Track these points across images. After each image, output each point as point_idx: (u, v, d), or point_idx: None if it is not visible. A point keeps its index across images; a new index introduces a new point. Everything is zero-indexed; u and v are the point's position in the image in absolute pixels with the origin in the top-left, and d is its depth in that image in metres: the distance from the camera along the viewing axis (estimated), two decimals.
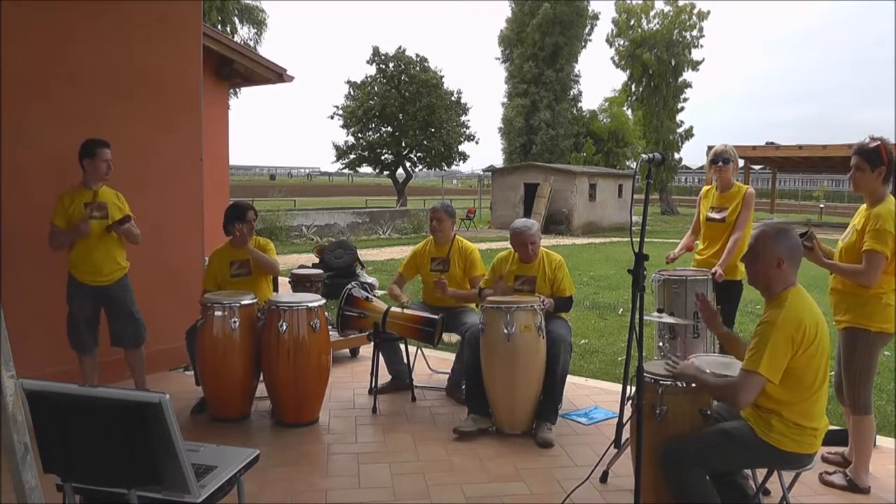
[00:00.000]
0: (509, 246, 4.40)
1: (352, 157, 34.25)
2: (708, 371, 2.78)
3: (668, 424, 2.69)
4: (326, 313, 4.31)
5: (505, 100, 34.94)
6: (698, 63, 37.17)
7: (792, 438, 2.51)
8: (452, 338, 5.48)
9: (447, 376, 4.76)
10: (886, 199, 3.14)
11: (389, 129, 33.29)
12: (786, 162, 29.95)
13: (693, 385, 2.69)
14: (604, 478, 3.37)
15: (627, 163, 33.31)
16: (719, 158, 4.28)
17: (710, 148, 4.46)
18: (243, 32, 23.32)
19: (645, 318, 2.67)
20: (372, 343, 4.65)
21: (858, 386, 3.20)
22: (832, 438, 3.47)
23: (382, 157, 34.28)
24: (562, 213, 22.97)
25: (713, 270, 4.12)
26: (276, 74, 9.28)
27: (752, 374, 2.45)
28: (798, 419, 2.51)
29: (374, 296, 4.96)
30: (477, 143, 42.32)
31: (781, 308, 2.49)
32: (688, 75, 37.56)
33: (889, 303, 3.13)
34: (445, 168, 38.19)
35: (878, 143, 3.12)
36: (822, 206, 36.52)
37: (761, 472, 2.75)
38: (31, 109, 4.36)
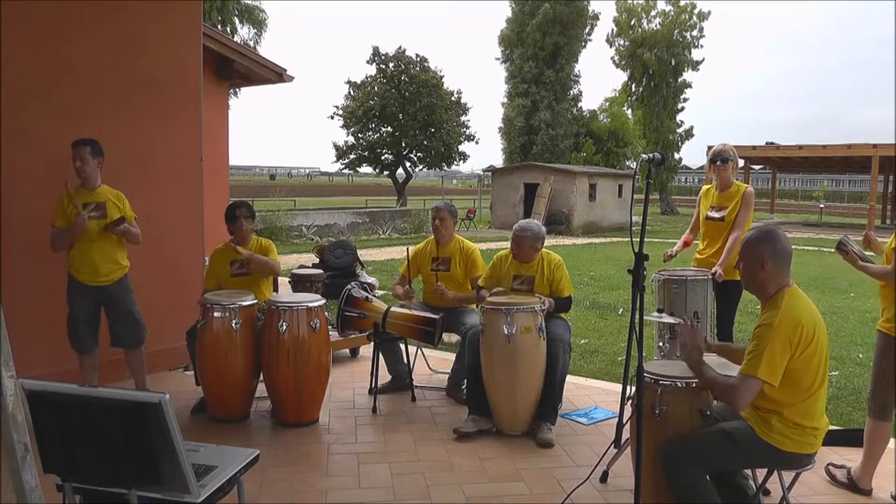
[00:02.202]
0: (508, 245, 4.40)
1: (352, 157, 34.22)
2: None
3: (668, 424, 2.69)
4: (326, 313, 4.31)
5: (505, 100, 34.92)
6: (698, 63, 37.17)
7: (792, 438, 2.52)
8: (452, 338, 5.48)
9: (447, 376, 4.76)
10: None
11: (389, 129, 33.27)
12: (786, 162, 29.95)
13: (693, 380, 2.69)
14: (604, 478, 3.37)
15: (627, 163, 33.29)
16: (718, 157, 4.29)
17: (710, 148, 4.47)
18: (243, 32, 23.33)
19: (645, 318, 2.67)
20: (372, 343, 4.65)
21: (878, 389, 3.19)
22: (833, 438, 3.47)
23: (382, 157, 34.26)
24: (562, 213, 22.96)
25: (713, 270, 4.13)
26: (276, 74, 9.28)
27: (751, 379, 2.45)
28: (798, 419, 2.51)
29: (374, 296, 4.96)
30: (477, 143, 42.37)
31: (778, 310, 2.50)
32: (688, 75, 37.60)
33: None
34: (445, 168, 38.17)
35: None
36: (822, 206, 36.51)
37: (761, 472, 2.75)
38: (31, 109, 4.36)
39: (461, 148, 34.54)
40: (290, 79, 9.54)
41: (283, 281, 6.41)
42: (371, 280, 7.11)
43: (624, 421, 2.79)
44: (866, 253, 3.29)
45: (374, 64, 33.02)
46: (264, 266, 4.38)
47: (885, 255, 3.25)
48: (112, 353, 4.39)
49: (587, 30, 34.93)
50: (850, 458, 3.44)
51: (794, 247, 2.69)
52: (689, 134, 38.09)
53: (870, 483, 3.25)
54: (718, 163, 4.28)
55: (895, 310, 3.11)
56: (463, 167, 52.47)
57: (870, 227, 21.65)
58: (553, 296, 4.19)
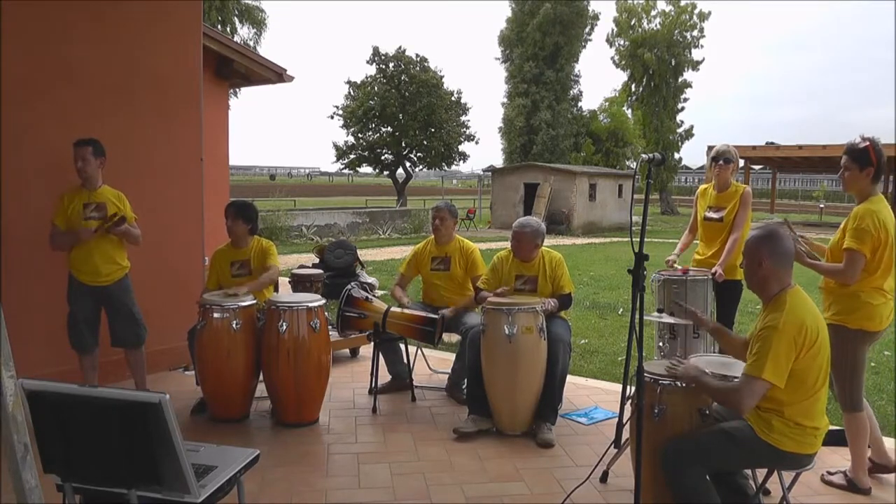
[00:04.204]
0: (508, 245, 4.41)
1: (352, 157, 34.21)
2: (708, 371, 2.78)
3: (667, 424, 2.69)
4: (326, 313, 4.31)
5: (505, 100, 34.92)
6: (698, 63, 37.19)
7: (792, 438, 2.51)
8: (452, 338, 5.48)
9: (447, 376, 4.76)
10: (872, 198, 3.16)
11: (389, 129, 33.26)
12: (786, 162, 29.94)
13: (694, 387, 2.69)
14: (604, 478, 3.37)
15: (627, 163, 33.29)
16: (720, 157, 4.29)
17: (710, 148, 4.47)
18: (243, 32, 23.30)
19: (645, 318, 2.67)
20: (372, 343, 4.65)
21: (844, 382, 3.23)
22: (833, 438, 3.48)
23: (382, 157, 34.26)
24: (562, 213, 22.97)
25: (713, 270, 4.13)
26: (276, 74, 9.28)
27: (756, 380, 2.45)
28: (799, 419, 2.51)
29: (374, 296, 4.96)
30: (477, 143, 42.34)
31: (782, 311, 2.49)
32: (688, 75, 37.63)
33: (868, 301, 3.15)
34: (445, 168, 38.16)
35: (867, 143, 3.14)
36: (821, 206, 36.45)
37: (761, 473, 2.75)
38: (31, 109, 4.36)
39: (461, 148, 34.56)
40: (290, 79, 9.54)
41: (283, 281, 6.40)
42: (371, 280, 7.11)
43: (624, 421, 2.79)
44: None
45: (374, 64, 33.02)
46: (263, 285, 4.37)
47: (828, 251, 3.32)
48: (112, 353, 4.39)
49: (587, 30, 34.92)
50: (850, 458, 3.44)
51: None
52: (689, 134, 38.09)
53: (867, 481, 3.26)
54: (721, 162, 4.28)
55: (844, 303, 3.18)
56: (463, 167, 52.52)
57: None
58: (555, 293, 4.20)
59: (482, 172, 35.31)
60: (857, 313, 3.15)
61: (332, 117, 33.89)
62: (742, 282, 4.09)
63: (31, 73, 4.36)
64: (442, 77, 33.21)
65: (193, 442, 2.47)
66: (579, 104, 35.69)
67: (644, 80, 37.30)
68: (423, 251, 4.85)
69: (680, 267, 4.33)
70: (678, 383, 2.72)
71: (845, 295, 3.17)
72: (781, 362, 2.44)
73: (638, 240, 2.58)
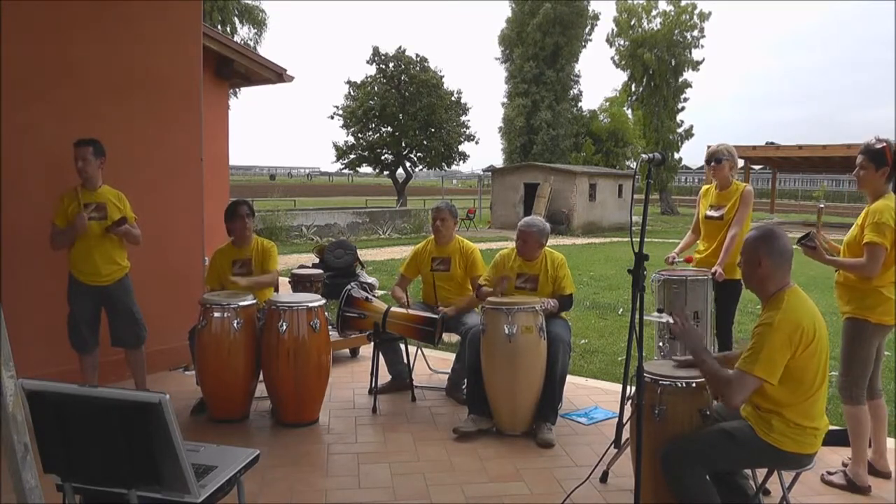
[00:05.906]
0: (510, 244, 4.41)
1: (352, 157, 34.20)
2: None
3: (668, 424, 2.69)
4: (326, 313, 4.32)
5: (505, 100, 34.92)
6: (698, 63, 37.18)
7: (792, 438, 2.52)
8: (452, 338, 5.48)
9: (447, 376, 4.76)
10: (887, 195, 3.24)
11: (389, 129, 33.24)
12: (786, 162, 29.94)
13: (692, 380, 2.69)
14: (604, 478, 3.37)
15: (627, 163, 33.29)
16: (711, 159, 4.34)
17: (709, 148, 4.48)
18: (243, 32, 23.34)
19: (645, 318, 2.67)
20: (372, 343, 4.65)
21: (854, 374, 3.25)
22: (833, 438, 3.48)
23: (382, 157, 34.25)
24: (562, 213, 22.96)
25: (713, 270, 4.13)
26: (276, 74, 9.28)
27: (747, 375, 2.46)
28: (798, 419, 2.51)
29: (374, 296, 4.96)
30: (477, 143, 42.33)
31: (778, 310, 2.50)
32: (688, 75, 37.62)
33: (889, 296, 3.20)
34: (445, 168, 38.15)
35: (884, 144, 3.24)
36: (821, 206, 36.43)
37: (761, 472, 2.75)
38: (30, 109, 4.36)
39: (461, 148, 34.52)
40: (290, 79, 9.54)
41: (283, 281, 6.40)
42: (371, 280, 7.11)
43: (624, 421, 2.79)
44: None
45: (374, 64, 32.99)
46: (263, 285, 4.42)
47: (844, 247, 3.36)
48: (112, 353, 4.39)
49: (587, 30, 34.92)
50: (850, 458, 3.44)
51: (794, 246, 2.70)
52: (689, 134, 38.08)
53: (866, 479, 3.26)
54: (713, 164, 4.32)
55: (867, 298, 3.21)
56: (463, 167, 52.51)
57: None
58: (556, 294, 4.21)
59: (482, 172, 35.29)
60: (881, 308, 3.20)
61: (332, 117, 33.90)
62: (742, 281, 4.10)
63: (31, 73, 4.36)
64: (442, 77, 33.21)
65: (193, 442, 2.47)
66: (579, 104, 35.70)
67: (644, 80, 37.29)
68: (423, 251, 4.85)
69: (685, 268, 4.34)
70: (678, 383, 2.72)
71: (867, 290, 3.21)
72: (775, 359, 2.44)
73: (638, 240, 2.58)
